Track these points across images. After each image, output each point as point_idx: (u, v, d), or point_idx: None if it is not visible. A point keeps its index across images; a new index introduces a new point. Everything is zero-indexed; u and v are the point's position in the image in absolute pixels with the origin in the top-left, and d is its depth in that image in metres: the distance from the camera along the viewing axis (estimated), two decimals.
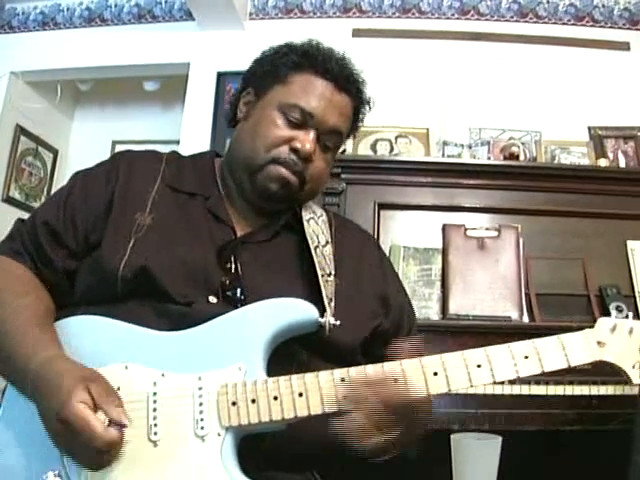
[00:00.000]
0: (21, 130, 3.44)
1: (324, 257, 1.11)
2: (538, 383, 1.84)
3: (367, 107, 1.24)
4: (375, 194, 2.26)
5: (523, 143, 2.58)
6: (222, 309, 0.99)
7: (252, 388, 0.92)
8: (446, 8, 3.00)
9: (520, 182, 2.27)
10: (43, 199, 3.51)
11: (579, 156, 2.55)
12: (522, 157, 2.51)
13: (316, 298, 1.03)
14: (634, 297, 2.08)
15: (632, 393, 1.78)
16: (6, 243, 1.12)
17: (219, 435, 0.91)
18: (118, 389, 0.92)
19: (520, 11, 2.96)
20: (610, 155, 2.56)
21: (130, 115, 3.78)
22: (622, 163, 2.54)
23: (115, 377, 0.93)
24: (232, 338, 0.97)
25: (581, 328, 0.95)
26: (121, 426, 0.86)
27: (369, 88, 1.23)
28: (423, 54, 2.92)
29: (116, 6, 3.29)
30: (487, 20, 2.97)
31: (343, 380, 0.91)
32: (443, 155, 2.56)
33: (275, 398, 0.91)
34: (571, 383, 1.83)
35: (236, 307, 1.01)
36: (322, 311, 1.00)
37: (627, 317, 0.95)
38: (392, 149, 2.62)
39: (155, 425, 0.91)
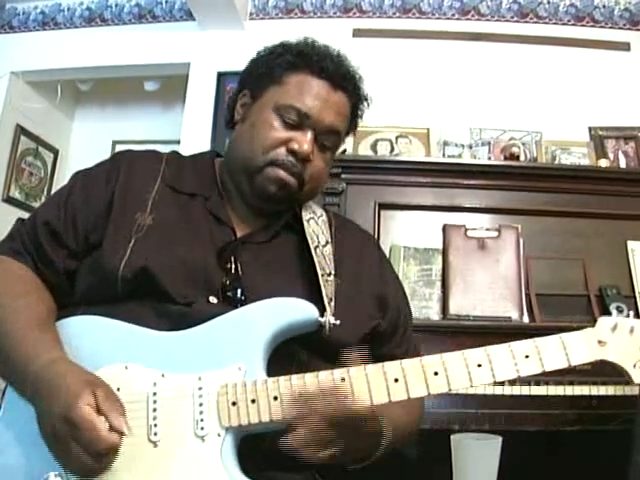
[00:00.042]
0: (21, 130, 3.44)
1: (324, 257, 1.11)
2: (538, 383, 1.84)
3: (365, 104, 1.23)
4: (375, 194, 2.26)
5: (524, 143, 2.58)
6: (222, 309, 0.99)
7: (252, 388, 0.92)
8: (446, 8, 3.00)
9: (520, 182, 2.27)
10: (43, 199, 3.51)
11: (579, 156, 2.55)
12: (522, 157, 2.51)
13: (316, 298, 1.02)
14: (634, 297, 2.08)
15: (632, 393, 1.78)
16: (6, 243, 1.11)
17: (219, 435, 0.91)
18: (118, 389, 0.92)
19: (520, 11, 2.96)
20: (610, 155, 2.56)
21: (130, 115, 3.78)
22: (622, 163, 2.54)
23: (115, 377, 0.93)
24: (232, 338, 0.97)
25: (581, 328, 0.94)
26: (120, 434, 0.86)
27: (369, 87, 1.23)
28: (423, 54, 2.92)
29: (116, 6, 3.29)
30: (487, 20, 2.97)
31: (343, 380, 0.91)
32: (443, 155, 2.56)
33: (275, 398, 0.91)
34: (571, 383, 1.84)
35: (236, 307, 1.01)
36: (322, 311, 1.00)
37: (628, 316, 0.95)
38: (392, 149, 2.62)
39: (155, 425, 0.91)
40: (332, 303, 1.04)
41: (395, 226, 2.28)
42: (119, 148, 3.24)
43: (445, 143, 2.60)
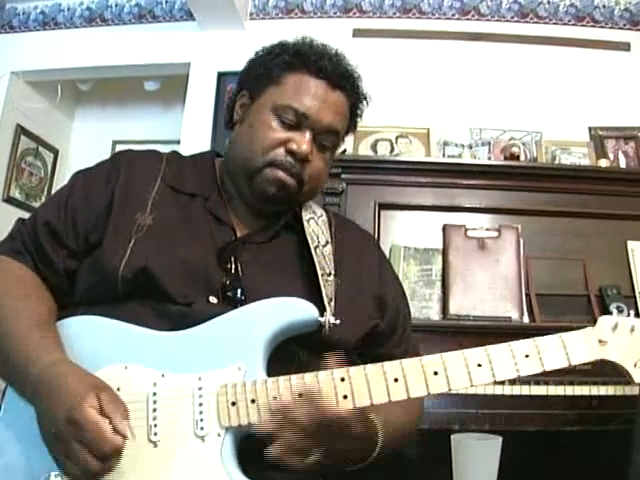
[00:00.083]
0: (21, 130, 3.44)
1: (324, 257, 1.10)
2: (538, 383, 1.84)
3: (364, 103, 1.22)
4: (375, 194, 2.26)
5: (524, 143, 2.58)
6: (222, 309, 0.99)
7: (252, 388, 0.91)
8: (447, 8, 3.00)
9: (520, 182, 2.27)
10: (43, 199, 3.51)
11: (579, 156, 2.55)
12: (523, 157, 2.51)
13: (316, 298, 1.02)
14: (634, 297, 2.09)
15: (632, 393, 1.78)
16: (7, 243, 1.11)
17: (219, 435, 0.91)
18: (118, 389, 0.92)
19: (520, 11, 2.96)
20: (610, 155, 2.56)
21: (130, 115, 3.78)
22: (622, 163, 2.54)
23: (115, 377, 0.93)
24: (232, 338, 0.97)
25: (581, 328, 0.94)
26: (123, 437, 0.86)
27: (369, 87, 1.22)
28: (424, 54, 2.92)
29: (117, 6, 3.29)
30: (487, 20, 2.97)
31: (343, 380, 0.91)
32: (444, 155, 2.56)
33: (274, 398, 0.90)
34: (571, 383, 1.84)
35: (236, 307, 1.01)
36: (322, 311, 1.00)
37: (628, 316, 0.94)
38: (392, 149, 2.62)
39: (155, 425, 0.91)
40: (332, 303, 1.04)
41: (395, 226, 2.28)
42: (119, 148, 3.23)
43: (445, 143, 2.60)
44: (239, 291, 1.04)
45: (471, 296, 2.08)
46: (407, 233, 2.26)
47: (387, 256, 1.42)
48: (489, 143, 2.61)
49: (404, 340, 1.20)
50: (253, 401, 0.91)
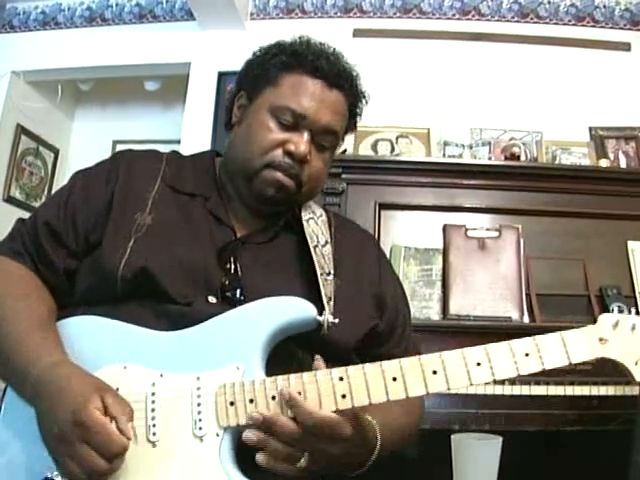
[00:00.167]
0: (22, 130, 3.44)
1: (323, 256, 1.10)
2: (538, 383, 1.84)
3: (363, 102, 1.22)
4: (376, 194, 2.26)
5: (524, 143, 2.58)
6: (221, 309, 0.99)
7: (250, 388, 0.91)
8: (447, 8, 3.00)
9: (521, 182, 2.27)
10: (44, 199, 3.51)
11: (580, 156, 2.55)
12: (523, 157, 2.51)
13: (315, 297, 1.02)
14: (635, 298, 2.09)
15: (632, 394, 1.78)
16: (6, 243, 1.11)
17: (217, 435, 0.90)
18: (117, 390, 0.92)
19: (521, 11, 2.96)
20: (611, 155, 2.56)
21: (131, 115, 3.78)
22: (623, 163, 2.54)
23: (114, 378, 0.93)
24: (230, 337, 0.96)
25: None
26: (127, 438, 0.86)
27: (369, 87, 1.22)
28: (424, 54, 2.92)
29: (117, 6, 3.29)
30: (488, 20, 2.97)
31: (341, 379, 0.90)
32: (444, 155, 2.56)
33: (273, 398, 0.90)
34: (571, 384, 1.84)
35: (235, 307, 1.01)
36: (321, 310, 1.00)
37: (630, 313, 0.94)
38: (393, 149, 2.62)
39: (154, 426, 0.91)
40: (331, 302, 1.04)
41: (395, 226, 2.28)
42: (119, 148, 3.24)
43: (445, 143, 2.60)
44: (238, 291, 1.04)
45: (471, 296, 2.08)
46: (407, 233, 2.26)
47: (387, 256, 1.42)
48: (489, 143, 2.61)
49: (404, 339, 1.19)
50: (251, 401, 0.90)
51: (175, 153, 1.26)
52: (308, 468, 0.89)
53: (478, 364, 0.90)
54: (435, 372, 0.90)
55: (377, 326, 1.14)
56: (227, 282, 1.05)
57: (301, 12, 3.09)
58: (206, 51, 3.10)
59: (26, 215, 1.16)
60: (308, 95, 1.12)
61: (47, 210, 1.12)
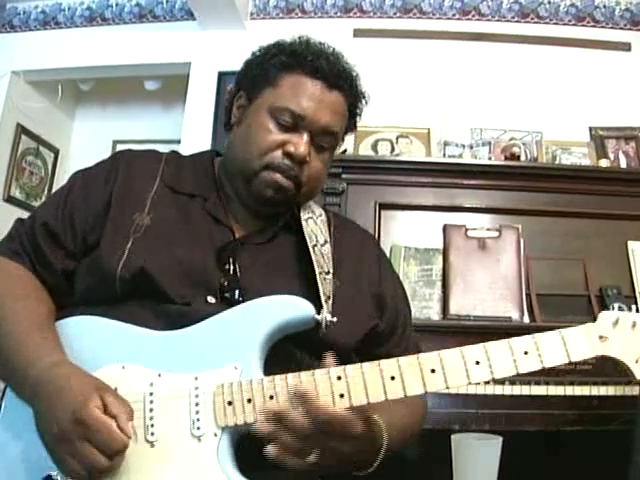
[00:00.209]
0: (22, 129, 3.44)
1: (322, 256, 1.10)
2: (538, 383, 1.84)
3: (363, 102, 1.21)
4: (376, 194, 2.26)
5: (524, 143, 2.58)
6: (220, 309, 0.99)
7: (248, 387, 0.91)
8: (447, 8, 3.00)
9: (521, 182, 2.27)
10: (44, 198, 3.51)
11: (580, 156, 2.55)
12: (523, 157, 2.51)
13: (314, 296, 1.02)
14: (635, 298, 2.09)
15: (632, 394, 1.78)
16: (5, 243, 1.11)
17: (215, 435, 0.90)
18: (115, 389, 0.92)
19: (521, 11, 2.96)
20: (611, 155, 2.56)
21: (131, 115, 3.78)
22: (623, 163, 2.54)
23: (112, 377, 0.93)
24: (228, 337, 0.96)
25: None
26: (127, 436, 0.86)
27: (369, 87, 1.22)
28: (424, 54, 2.92)
29: (117, 5, 3.29)
30: (488, 20, 2.97)
31: (339, 378, 0.90)
32: (444, 155, 2.56)
33: (271, 397, 0.90)
34: (572, 384, 1.84)
35: None
36: (319, 309, 1.00)
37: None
38: (393, 149, 2.62)
39: (152, 426, 0.91)
40: (330, 301, 1.04)
41: (396, 226, 2.28)
42: (120, 148, 3.24)
43: (446, 143, 2.60)
44: (237, 292, 1.04)
45: (471, 296, 2.08)
46: (407, 233, 2.26)
47: (387, 255, 1.41)
48: (489, 143, 2.61)
49: (404, 340, 1.19)
50: (249, 400, 0.90)
51: (174, 153, 1.25)
52: (318, 463, 0.89)
53: (477, 362, 0.90)
54: (434, 371, 0.90)
55: (377, 326, 1.13)
56: (226, 283, 1.04)
57: (301, 12, 3.09)
58: (206, 51, 3.10)
59: (26, 215, 1.16)
60: (307, 96, 1.11)
61: (45, 210, 1.12)
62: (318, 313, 0.98)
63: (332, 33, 2.68)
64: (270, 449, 0.86)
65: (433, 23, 2.99)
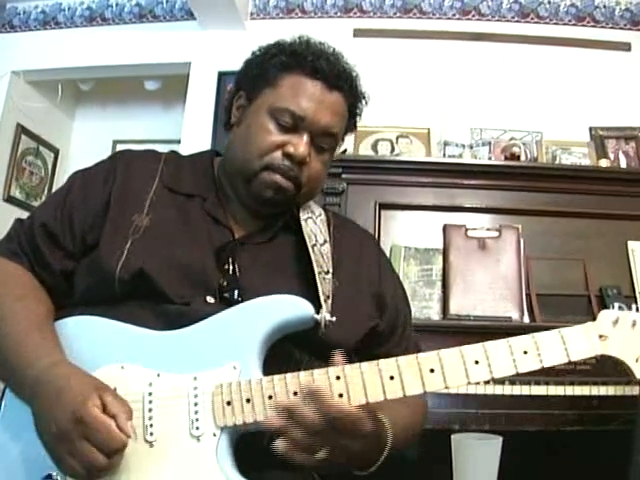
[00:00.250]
0: (22, 129, 3.44)
1: (322, 255, 1.10)
2: (538, 383, 1.84)
3: (363, 102, 1.21)
4: (376, 194, 2.26)
5: (524, 143, 2.58)
6: (219, 309, 0.99)
7: (247, 387, 0.91)
8: (447, 8, 3.00)
9: (521, 182, 2.27)
10: (44, 198, 3.51)
11: (580, 156, 2.55)
12: (523, 157, 2.51)
13: (313, 296, 1.02)
14: (635, 298, 2.08)
15: (633, 394, 1.78)
16: (4, 244, 1.11)
17: (214, 435, 0.90)
18: (115, 389, 0.92)
19: (521, 11, 2.96)
20: (611, 155, 2.56)
21: (131, 114, 3.78)
22: (623, 163, 2.54)
23: (111, 377, 0.93)
24: (227, 337, 0.96)
25: None
26: (126, 436, 0.86)
27: (369, 87, 1.21)
28: (424, 54, 2.92)
29: (117, 5, 3.29)
30: (488, 20, 2.97)
31: (338, 378, 0.90)
32: (444, 155, 2.56)
33: (270, 397, 0.90)
34: (572, 384, 1.84)
35: None
36: (319, 308, 1.00)
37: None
38: (393, 149, 2.62)
39: (151, 426, 0.91)
40: (329, 301, 1.04)
41: (396, 226, 2.28)
42: (120, 148, 3.24)
43: (446, 143, 2.60)
44: (236, 292, 1.04)
45: (471, 296, 2.08)
46: (407, 233, 2.26)
47: (387, 255, 1.41)
48: (490, 143, 2.61)
49: (404, 339, 1.19)
50: (248, 400, 0.90)
51: (174, 153, 1.25)
52: (328, 460, 0.88)
53: (476, 362, 0.89)
54: (433, 370, 0.90)
55: (377, 326, 1.13)
56: (225, 283, 1.04)
57: (301, 12, 3.09)
58: (206, 51, 3.10)
59: (26, 215, 1.16)
60: (307, 96, 1.11)
61: (44, 211, 1.12)
62: (317, 313, 0.98)
63: (332, 33, 2.67)
64: (279, 443, 0.86)
65: (433, 23, 2.99)
